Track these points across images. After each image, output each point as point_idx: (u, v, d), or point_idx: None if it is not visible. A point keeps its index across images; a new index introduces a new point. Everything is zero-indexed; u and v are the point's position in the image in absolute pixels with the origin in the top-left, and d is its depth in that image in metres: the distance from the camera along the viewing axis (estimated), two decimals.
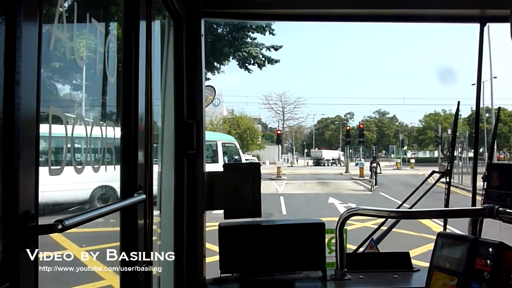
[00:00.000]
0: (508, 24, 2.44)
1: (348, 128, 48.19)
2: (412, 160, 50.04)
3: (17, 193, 0.84)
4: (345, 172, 41.22)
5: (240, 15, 2.87)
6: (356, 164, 43.79)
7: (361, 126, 49.27)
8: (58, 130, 1.21)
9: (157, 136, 2.32)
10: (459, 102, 3.15)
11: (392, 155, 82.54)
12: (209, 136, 20.36)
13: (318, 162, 69.59)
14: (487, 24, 2.62)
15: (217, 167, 2.55)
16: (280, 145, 45.69)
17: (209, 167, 2.51)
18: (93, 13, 1.45)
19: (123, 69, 1.59)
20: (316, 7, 2.66)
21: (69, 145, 1.26)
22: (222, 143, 19.99)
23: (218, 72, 23.18)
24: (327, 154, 72.28)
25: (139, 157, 1.58)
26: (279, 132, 46.10)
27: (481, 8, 2.58)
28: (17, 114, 0.84)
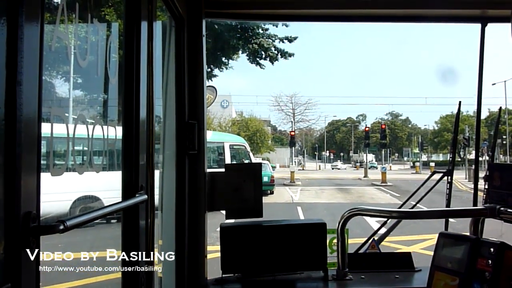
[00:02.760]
0: (509, 24, 2.44)
1: (367, 129, 44.12)
2: (432, 164, 46.16)
3: (18, 194, 0.84)
4: (364, 177, 38.53)
5: (242, 16, 2.87)
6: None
7: (383, 126, 44.89)
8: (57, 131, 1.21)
9: (159, 136, 2.32)
10: (460, 102, 3.15)
11: (405, 158, 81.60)
12: (215, 137, 18.71)
13: (358, 165, 69.34)
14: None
15: None
16: (293, 148, 43.54)
17: None
18: (95, 13, 1.45)
19: (124, 70, 1.59)
20: (318, 7, 2.66)
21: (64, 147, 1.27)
22: (230, 145, 18.12)
23: (226, 68, 20.47)
24: (368, 157, 71.88)
25: (140, 158, 1.58)
26: (292, 133, 43.28)
27: (482, 8, 2.58)
28: (18, 114, 0.84)
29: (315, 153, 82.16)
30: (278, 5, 2.67)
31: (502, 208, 2.13)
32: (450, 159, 3.04)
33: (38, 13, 0.92)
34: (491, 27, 2.61)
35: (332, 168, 67.37)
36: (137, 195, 1.54)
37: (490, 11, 2.59)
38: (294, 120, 69.71)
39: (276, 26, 20.42)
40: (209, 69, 18.93)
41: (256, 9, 2.71)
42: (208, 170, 2.45)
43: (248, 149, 19.84)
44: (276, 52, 20.31)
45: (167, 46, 2.33)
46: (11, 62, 0.83)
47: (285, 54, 20.48)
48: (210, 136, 17.70)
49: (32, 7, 0.90)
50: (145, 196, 1.57)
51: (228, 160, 17.21)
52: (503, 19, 2.56)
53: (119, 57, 1.65)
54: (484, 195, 2.40)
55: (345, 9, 2.68)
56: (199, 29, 2.41)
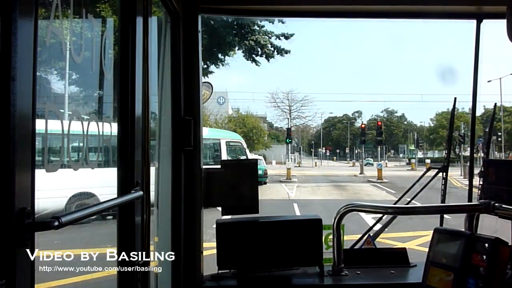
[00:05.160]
0: (505, 21, 2.44)
1: (363, 126, 44.28)
2: (428, 161, 45.40)
3: (13, 190, 0.84)
4: (360, 173, 38.22)
5: (238, 11, 2.86)
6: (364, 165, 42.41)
7: (380, 124, 43.37)
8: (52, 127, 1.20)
9: (154, 132, 2.32)
10: (455, 98, 3.16)
11: (401, 155, 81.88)
12: (211, 133, 18.74)
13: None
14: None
15: None
16: (290, 145, 43.83)
17: None
18: (90, 9, 1.44)
19: (120, 66, 1.58)
20: (314, 3, 2.65)
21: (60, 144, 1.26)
22: (227, 142, 18.15)
23: (223, 65, 20.17)
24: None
25: (136, 154, 1.58)
26: (291, 133, 42.59)
27: (477, 5, 2.58)
28: (12, 110, 0.83)
29: (311, 149, 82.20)
30: (275, 0, 2.66)
31: (496, 204, 2.14)
32: (446, 155, 3.05)
33: (32, 8, 0.91)
34: (486, 24, 2.62)
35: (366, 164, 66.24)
36: (132, 191, 1.53)
37: (486, 7, 2.59)
38: (290, 117, 69.54)
39: (273, 23, 20.34)
40: (205, 66, 18.88)
41: (252, 5, 2.69)
42: (204, 167, 2.45)
43: (245, 145, 19.98)
44: (272, 49, 20.21)
45: (162, 42, 2.32)
46: (4, 57, 0.83)
47: (281, 52, 20.35)
48: (206, 133, 17.76)
49: (26, 2, 0.89)
50: (141, 193, 1.57)
51: (224, 157, 17.07)
52: (498, 16, 2.56)
53: (115, 53, 1.64)
54: (479, 191, 2.41)
55: (341, 5, 2.68)
56: (195, 24, 2.40)
